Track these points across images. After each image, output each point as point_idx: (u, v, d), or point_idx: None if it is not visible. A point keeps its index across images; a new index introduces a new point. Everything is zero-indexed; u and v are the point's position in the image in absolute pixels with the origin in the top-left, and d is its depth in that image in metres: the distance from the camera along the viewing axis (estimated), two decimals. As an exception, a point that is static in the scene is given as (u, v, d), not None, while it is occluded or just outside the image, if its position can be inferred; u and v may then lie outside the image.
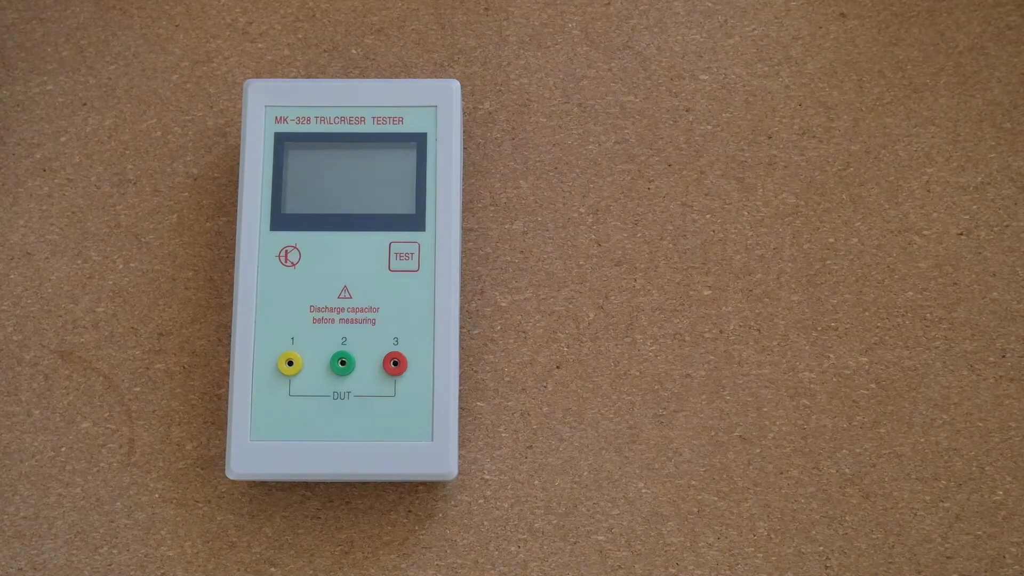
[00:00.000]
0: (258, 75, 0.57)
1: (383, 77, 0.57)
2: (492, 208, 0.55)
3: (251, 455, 0.49)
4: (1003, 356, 0.54)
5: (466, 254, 0.55)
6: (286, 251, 0.51)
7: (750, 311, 0.54)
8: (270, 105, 0.53)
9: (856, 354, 0.54)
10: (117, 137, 0.56)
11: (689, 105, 0.57)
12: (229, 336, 0.54)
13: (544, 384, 0.54)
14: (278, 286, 0.51)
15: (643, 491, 0.52)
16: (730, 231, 0.55)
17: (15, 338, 0.54)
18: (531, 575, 0.51)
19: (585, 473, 0.53)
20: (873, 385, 0.53)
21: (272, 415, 0.50)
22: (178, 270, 0.55)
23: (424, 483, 0.52)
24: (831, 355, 0.54)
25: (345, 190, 0.52)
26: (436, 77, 0.57)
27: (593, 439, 0.53)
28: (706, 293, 0.54)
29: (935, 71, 0.57)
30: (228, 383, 0.52)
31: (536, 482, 0.52)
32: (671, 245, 0.55)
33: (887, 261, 0.55)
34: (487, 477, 0.53)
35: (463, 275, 0.54)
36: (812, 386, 0.53)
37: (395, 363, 0.50)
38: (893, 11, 0.58)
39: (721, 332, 0.54)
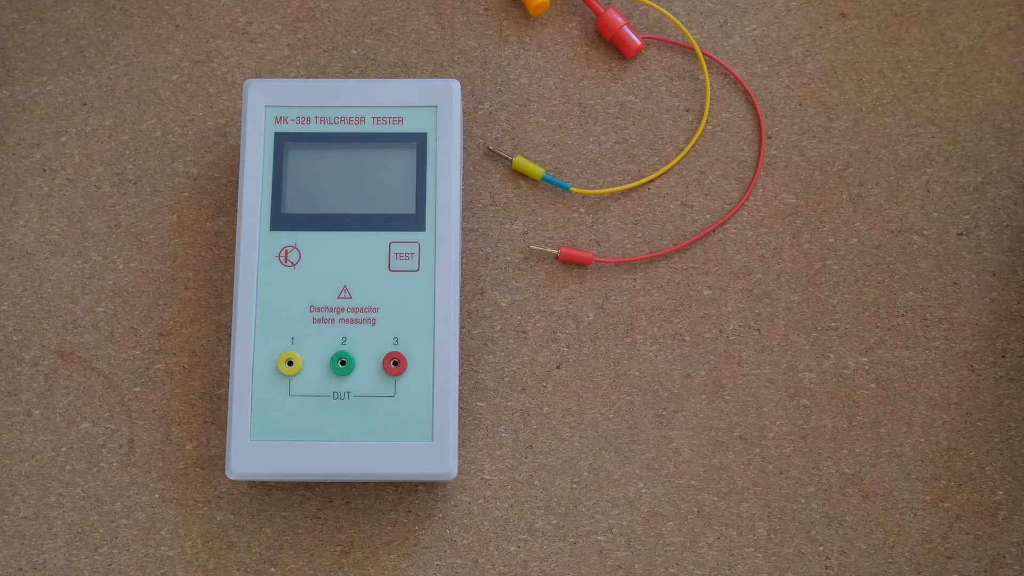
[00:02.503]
0: (258, 75, 0.57)
1: (383, 77, 0.57)
2: (492, 208, 0.55)
3: (251, 455, 0.49)
4: (1003, 356, 0.54)
5: (466, 254, 0.55)
6: (286, 251, 0.51)
7: (750, 311, 0.54)
8: (270, 105, 0.53)
9: (856, 354, 0.54)
10: (117, 137, 0.56)
11: (689, 105, 0.57)
12: (229, 336, 0.54)
13: (544, 384, 0.54)
14: (278, 286, 0.51)
15: (643, 491, 0.52)
16: (730, 231, 0.55)
17: (15, 338, 0.54)
18: (531, 575, 0.51)
19: (585, 473, 0.53)
20: (873, 385, 0.53)
21: (272, 415, 0.50)
22: (178, 270, 0.55)
23: (424, 483, 0.52)
24: (831, 355, 0.54)
25: (345, 190, 0.52)
26: (436, 77, 0.57)
27: (593, 439, 0.53)
28: (706, 293, 0.54)
29: (935, 71, 0.57)
30: (228, 383, 0.52)
31: (536, 482, 0.52)
32: (671, 245, 0.55)
33: (887, 261, 0.55)
34: (487, 477, 0.53)
35: (463, 275, 0.54)
36: (812, 386, 0.53)
37: (395, 363, 0.50)
38: (893, 11, 0.58)
39: (721, 332, 0.54)
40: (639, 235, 0.55)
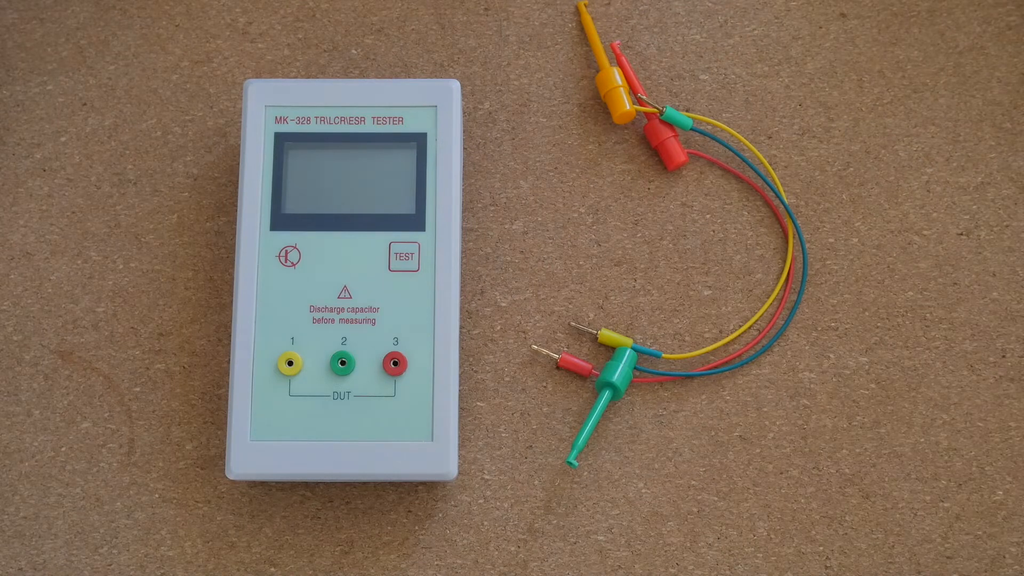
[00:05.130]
0: (258, 75, 0.57)
1: (383, 77, 0.57)
2: (492, 208, 0.55)
3: (251, 455, 0.49)
4: (1003, 356, 0.54)
5: (466, 254, 0.55)
6: (286, 251, 0.51)
7: (750, 311, 0.54)
8: (270, 105, 0.53)
9: (856, 354, 0.54)
10: (117, 137, 0.56)
11: (689, 105, 0.57)
12: (229, 336, 0.54)
13: (544, 384, 0.54)
14: (278, 286, 0.51)
15: (643, 491, 0.52)
16: (730, 231, 0.55)
17: (15, 338, 0.54)
18: (531, 575, 0.51)
19: (585, 473, 0.53)
20: (873, 385, 0.53)
21: (272, 415, 0.50)
22: (178, 270, 0.55)
23: (424, 483, 0.52)
24: (831, 355, 0.54)
25: (345, 190, 0.52)
26: (436, 77, 0.57)
27: (593, 439, 0.53)
28: (706, 293, 0.54)
29: (935, 71, 0.57)
30: (228, 383, 0.52)
31: (536, 482, 0.52)
32: (671, 245, 0.55)
33: (887, 261, 0.55)
34: (487, 477, 0.53)
35: (463, 275, 0.54)
36: (812, 386, 0.53)
37: (395, 363, 0.50)
38: (893, 11, 0.58)
39: (721, 332, 0.54)
40: (639, 235, 0.55)
